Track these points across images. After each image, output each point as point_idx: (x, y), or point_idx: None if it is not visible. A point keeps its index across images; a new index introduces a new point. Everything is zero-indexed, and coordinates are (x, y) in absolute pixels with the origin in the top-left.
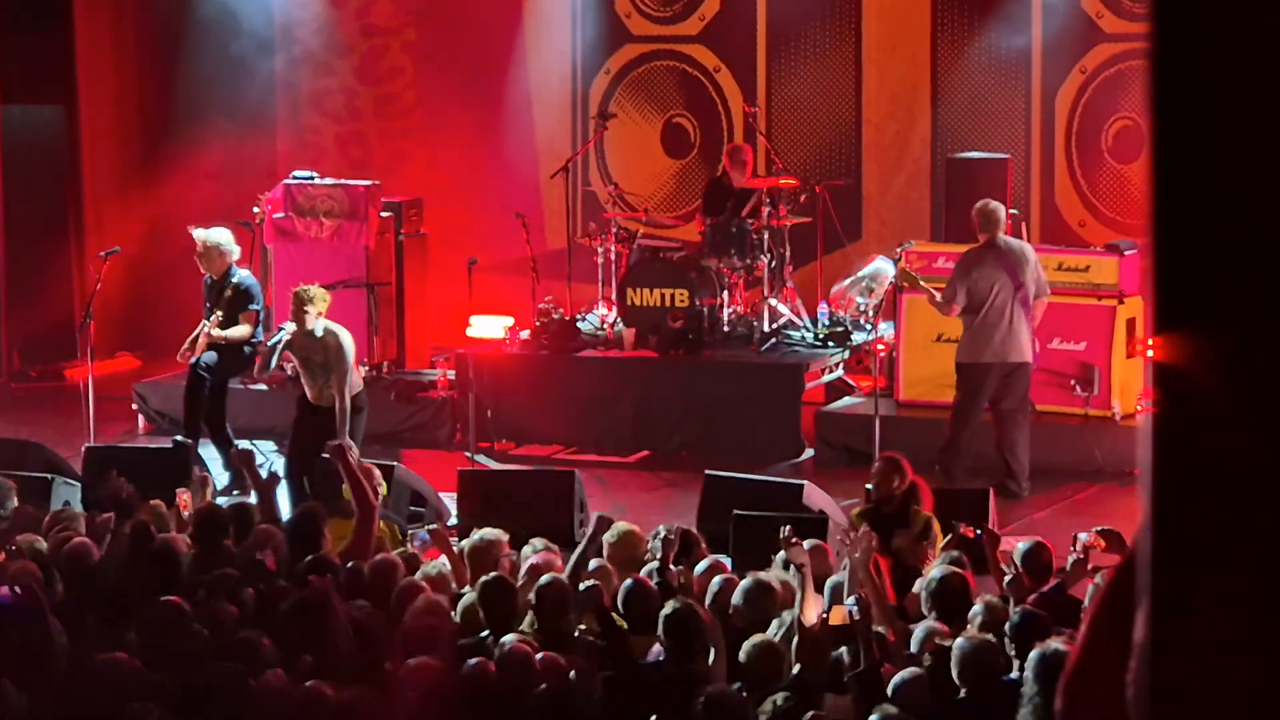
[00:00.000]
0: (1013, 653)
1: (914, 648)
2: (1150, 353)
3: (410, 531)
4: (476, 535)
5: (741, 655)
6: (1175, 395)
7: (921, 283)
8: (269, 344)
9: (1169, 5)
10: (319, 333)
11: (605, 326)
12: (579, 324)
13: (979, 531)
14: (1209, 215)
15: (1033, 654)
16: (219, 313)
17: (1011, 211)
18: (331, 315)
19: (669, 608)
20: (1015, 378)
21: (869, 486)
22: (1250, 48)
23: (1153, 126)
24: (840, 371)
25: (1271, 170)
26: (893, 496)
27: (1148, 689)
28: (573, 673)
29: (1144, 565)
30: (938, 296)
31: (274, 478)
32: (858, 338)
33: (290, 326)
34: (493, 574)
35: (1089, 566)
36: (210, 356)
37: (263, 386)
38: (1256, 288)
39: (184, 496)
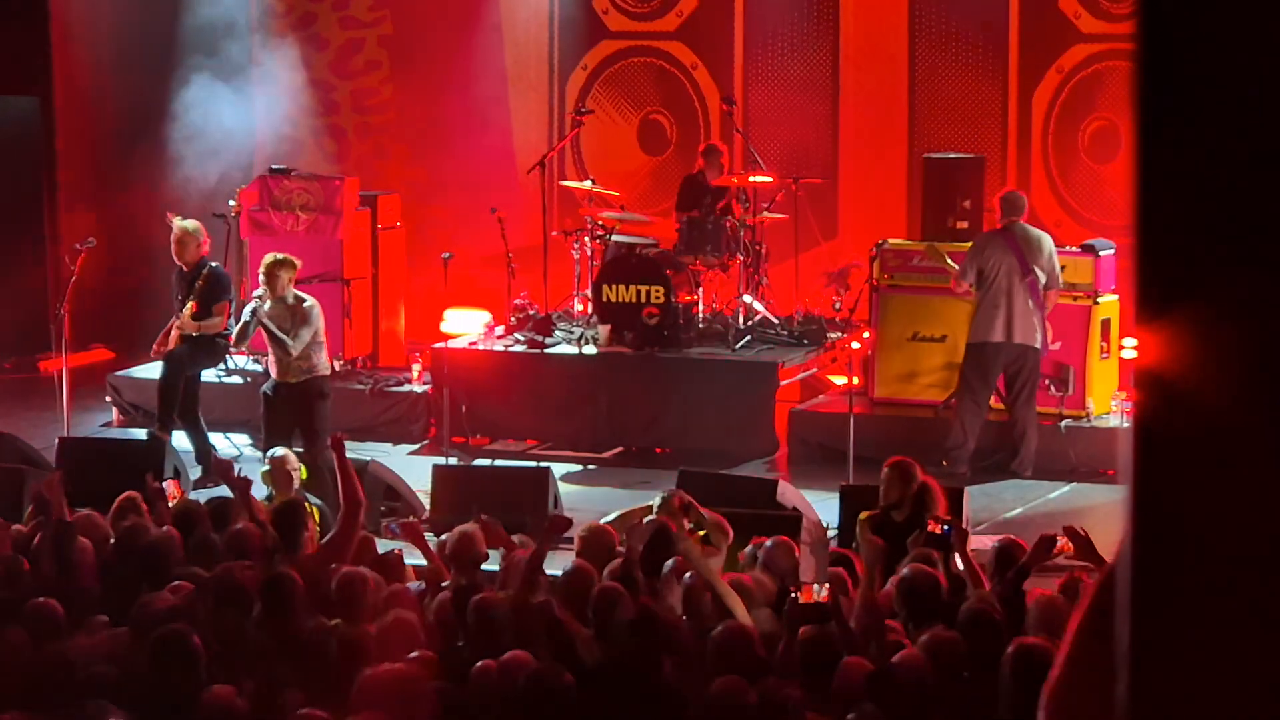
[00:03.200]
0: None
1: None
2: (1129, 352)
3: (383, 524)
4: (455, 530)
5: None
6: (1156, 394)
7: (947, 260)
8: (244, 311)
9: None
10: (290, 300)
11: (580, 322)
12: (554, 320)
13: (946, 526)
14: (1192, 211)
15: (1009, 650)
16: (192, 303)
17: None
18: None
19: (634, 613)
20: (1024, 364)
21: (842, 485)
22: (1235, 43)
23: (1136, 122)
24: (815, 369)
25: (1254, 167)
26: (904, 502)
27: (1129, 699)
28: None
29: (1124, 571)
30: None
31: (246, 481)
32: (833, 335)
33: (260, 293)
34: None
35: (1053, 561)
36: (184, 349)
37: (237, 380)
38: (1240, 284)
39: (171, 487)
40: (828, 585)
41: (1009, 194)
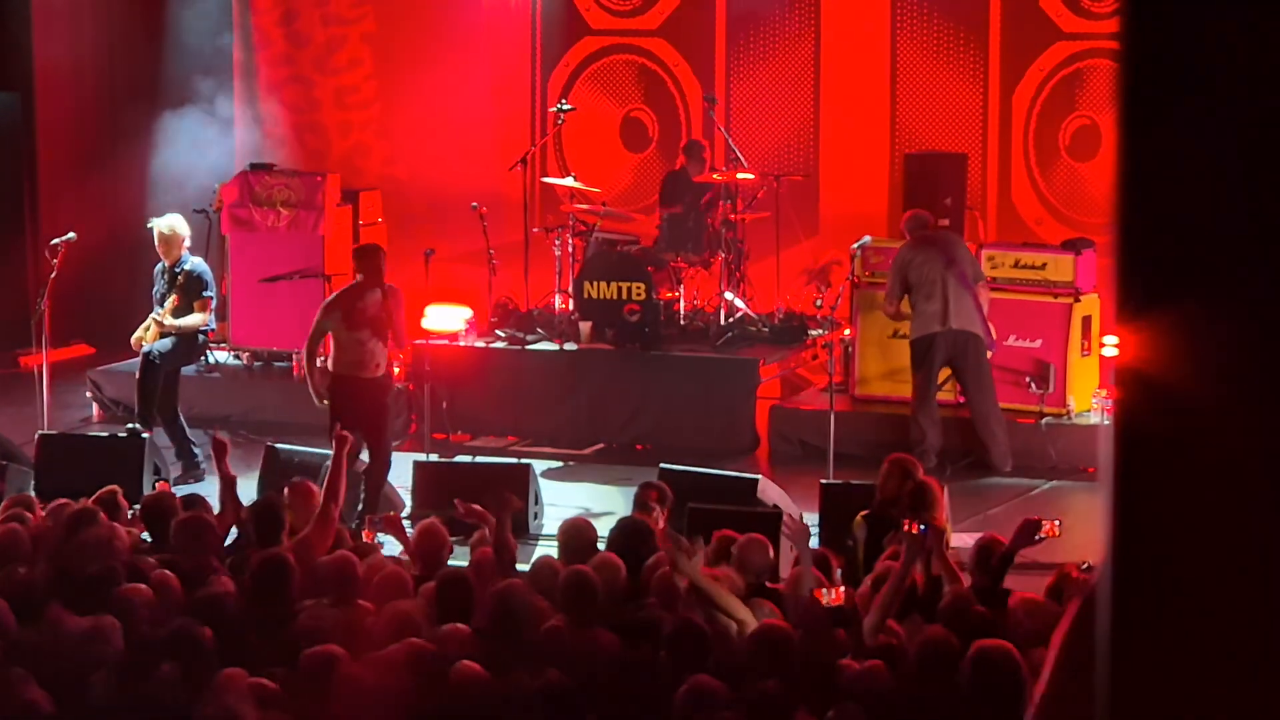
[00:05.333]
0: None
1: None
2: (1110, 350)
3: (365, 518)
4: (418, 525)
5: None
6: (1137, 391)
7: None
8: (312, 360)
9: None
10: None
11: (561, 319)
12: (535, 316)
13: (924, 526)
14: (1174, 210)
15: (968, 654)
16: (173, 298)
17: (969, 208)
18: (289, 306)
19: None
20: (967, 352)
21: (823, 482)
22: (1218, 42)
23: (1119, 121)
24: (795, 366)
25: (1237, 166)
26: (900, 499)
27: (1109, 693)
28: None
29: (1105, 566)
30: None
31: (231, 478)
32: (814, 333)
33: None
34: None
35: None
36: (163, 344)
37: (218, 375)
38: (1221, 283)
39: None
40: (845, 587)
41: (914, 214)
